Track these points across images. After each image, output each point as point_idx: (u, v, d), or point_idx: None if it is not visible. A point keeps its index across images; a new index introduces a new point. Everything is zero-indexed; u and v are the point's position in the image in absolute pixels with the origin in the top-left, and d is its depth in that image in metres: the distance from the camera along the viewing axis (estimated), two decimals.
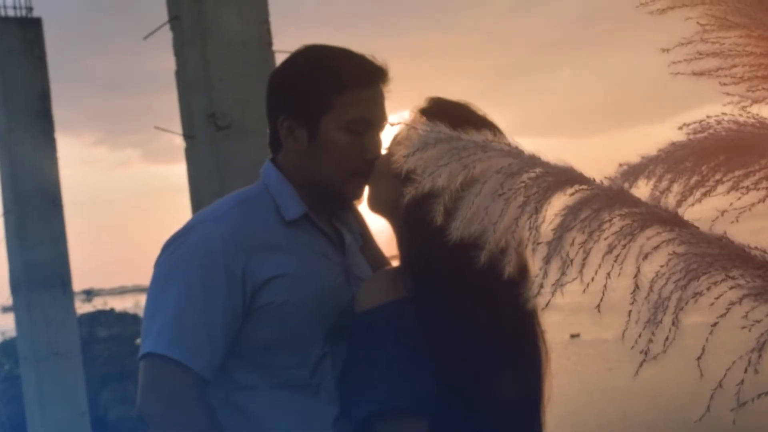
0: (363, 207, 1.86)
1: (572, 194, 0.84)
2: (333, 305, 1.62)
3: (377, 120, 1.65)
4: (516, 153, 0.86)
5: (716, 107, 0.87)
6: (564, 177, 0.84)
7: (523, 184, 0.84)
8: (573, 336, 15.68)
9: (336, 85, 1.61)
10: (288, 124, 1.64)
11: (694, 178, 0.86)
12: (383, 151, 1.66)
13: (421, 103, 1.59)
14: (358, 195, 1.69)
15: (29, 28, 8.33)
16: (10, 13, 8.32)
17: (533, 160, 0.86)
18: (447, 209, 0.89)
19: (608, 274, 0.82)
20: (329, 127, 1.62)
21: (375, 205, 1.68)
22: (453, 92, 1.47)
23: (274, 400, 1.58)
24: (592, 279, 0.82)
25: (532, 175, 0.84)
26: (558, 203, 0.84)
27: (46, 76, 8.31)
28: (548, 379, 1.62)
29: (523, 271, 0.86)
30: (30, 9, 8.42)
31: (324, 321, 1.60)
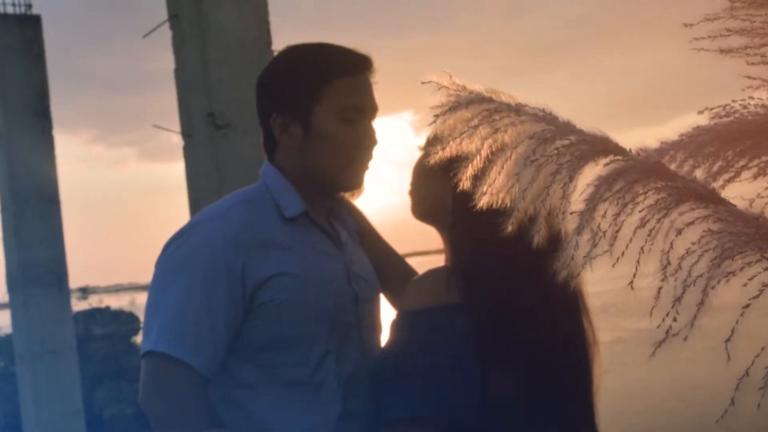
0: (360, 202, 1.86)
1: (607, 164, 0.81)
2: (334, 303, 1.63)
3: (368, 107, 1.67)
4: (550, 119, 0.84)
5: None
6: (599, 146, 0.82)
7: (556, 151, 0.81)
8: None
9: (322, 75, 1.63)
10: (281, 121, 1.66)
11: (718, 164, 0.84)
12: (420, 151, 1.66)
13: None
14: (357, 184, 1.70)
15: (28, 26, 8.32)
16: (9, 10, 8.31)
17: (568, 127, 0.83)
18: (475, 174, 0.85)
19: (641, 248, 0.79)
20: (321, 118, 1.63)
21: (421, 213, 1.65)
22: None
23: (276, 398, 1.58)
24: (623, 253, 0.79)
25: (566, 142, 0.82)
26: (590, 173, 0.81)
27: (45, 74, 8.29)
28: (597, 369, 1.57)
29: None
30: (29, 6, 8.41)
31: (326, 319, 1.60)
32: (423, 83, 0.88)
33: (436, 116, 0.87)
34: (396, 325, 1.53)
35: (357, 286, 1.69)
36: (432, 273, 1.57)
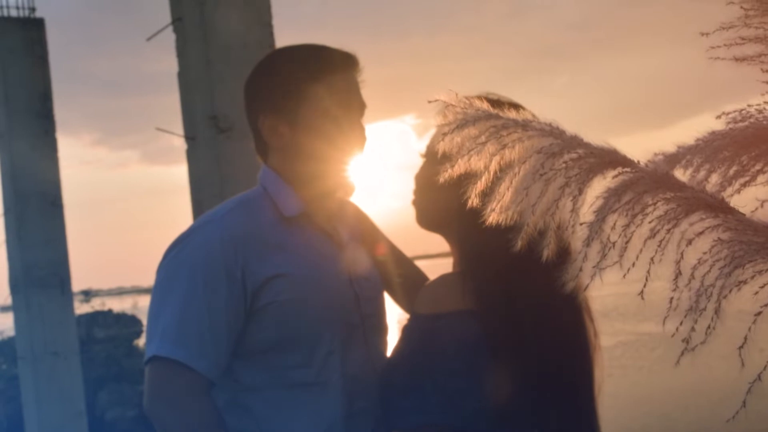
0: (361, 205, 1.86)
1: (615, 177, 0.81)
2: (335, 303, 1.63)
3: (355, 104, 1.67)
4: (557, 133, 0.84)
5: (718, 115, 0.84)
6: (607, 158, 0.82)
7: (564, 165, 0.82)
8: None
9: (308, 73, 1.64)
10: (269, 123, 1.67)
11: (734, 168, 0.84)
12: (421, 158, 1.65)
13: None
14: (347, 182, 1.70)
15: (31, 28, 8.34)
16: (13, 13, 8.33)
17: (575, 141, 0.83)
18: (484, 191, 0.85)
19: (651, 259, 0.79)
20: (309, 117, 1.64)
21: (427, 223, 1.64)
22: None
23: (281, 399, 1.58)
24: (633, 264, 0.79)
25: (574, 155, 0.82)
26: (598, 186, 0.82)
27: (48, 76, 8.31)
28: (599, 373, 1.56)
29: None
30: (33, 9, 8.43)
31: (327, 319, 1.61)
32: (430, 102, 0.89)
33: (444, 135, 0.87)
34: (408, 329, 1.53)
35: (358, 287, 1.69)
36: (445, 278, 1.56)
